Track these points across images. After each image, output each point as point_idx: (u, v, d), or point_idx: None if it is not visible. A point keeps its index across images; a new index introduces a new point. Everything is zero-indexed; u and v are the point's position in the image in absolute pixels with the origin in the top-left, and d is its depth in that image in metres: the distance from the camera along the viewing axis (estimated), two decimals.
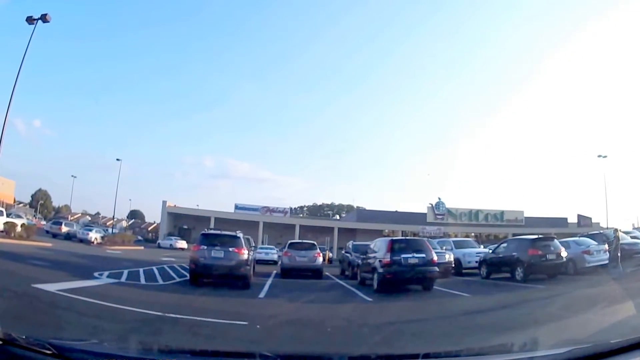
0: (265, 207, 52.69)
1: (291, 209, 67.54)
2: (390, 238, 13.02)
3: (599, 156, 44.39)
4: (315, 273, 17.01)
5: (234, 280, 12.17)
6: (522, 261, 14.46)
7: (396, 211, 51.82)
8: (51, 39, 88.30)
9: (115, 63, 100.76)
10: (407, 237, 13.68)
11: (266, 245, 33.87)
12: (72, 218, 70.56)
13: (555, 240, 15.81)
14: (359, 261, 15.23)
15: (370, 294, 11.81)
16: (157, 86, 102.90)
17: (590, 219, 52.18)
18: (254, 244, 20.51)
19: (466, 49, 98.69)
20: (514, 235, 46.13)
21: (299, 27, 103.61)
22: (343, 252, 20.34)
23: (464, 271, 18.30)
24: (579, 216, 52.28)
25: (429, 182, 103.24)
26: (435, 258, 12.68)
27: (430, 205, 49.02)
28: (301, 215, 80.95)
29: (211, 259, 12.00)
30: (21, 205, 75.47)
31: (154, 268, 16.43)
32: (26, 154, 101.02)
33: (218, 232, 13.16)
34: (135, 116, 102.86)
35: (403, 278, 12.15)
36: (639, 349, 2.11)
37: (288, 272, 17.11)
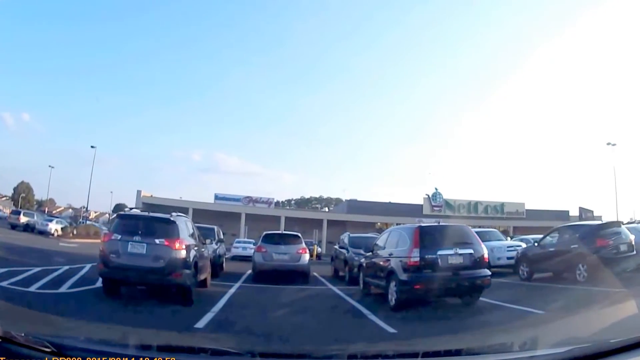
0: (247, 197, 47.87)
1: (278, 202, 63.27)
2: (418, 225, 8.58)
3: (608, 144, 41.61)
4: (299, 275, 12.50)
5: (168, 290, 8.03)
6: (586, 255, 10.72)
7: (390, 202, 48.30)
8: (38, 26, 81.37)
9: (106, 55, 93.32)
10: (442, 224, 9.15)
11: (244, 239, 28.86)
12: (55, 211, 69.08)
13: (623, 227, 12.00)
14: (363, 261, 10.76)
15: (386, 314, 7.52)
16: (151, 80, 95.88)
17: (592, 212, 50.30)
18: (221, 237, 15.76)
19: (463, 31, 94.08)
20: (514, 228, 44.19)
21: (288, 15, 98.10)
22: (337, 247, 15.83)
23: (491, 270, 14.34)
24: (581, 209, 50.08)
25: (425, 173, 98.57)
26: (486, 254, 8.41)
27: (426, 196, 45.53)
28: (288, 207, 76.43)
29: (127, 257, 7.61)
30: (3, 198, 70.95)
31: (87, 266, 12.36)
32: (14, 147, 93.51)
33: (144, 214, 8.54)
34: (125, 110, 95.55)
35: (441, 289, 7.89)
36: (638, 348, 2.02)
37: (263, 275, 12.58)
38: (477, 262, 8.09)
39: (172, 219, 8.19)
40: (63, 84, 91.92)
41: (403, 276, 7.87)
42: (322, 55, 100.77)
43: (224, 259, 16.16)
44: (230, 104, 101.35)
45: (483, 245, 8.64)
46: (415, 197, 74.02)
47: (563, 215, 47.17)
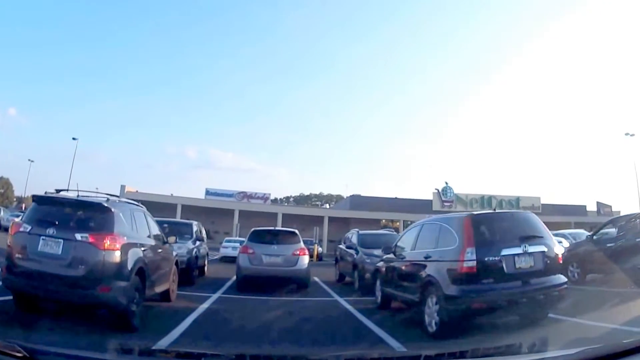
0: (241, 192, 44.57)
1: (276, 199, 60.70)
2: (469, 214, 5.90)
3: (627, 134, 38.95)
4: (296, 283, 9.78)
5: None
6: None
7: (396, 198, 45.21)
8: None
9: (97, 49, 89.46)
10: (501, 211, 6.53)
11: (235, 238, 25.94)
12: None
13: None
14: (380, 265, 8.05)
15: (424, 346, 4.96)
16: (142, 74, 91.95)
17: (611, 207, 48.16)
18: (201, 235, 12.98)
19: (471, 11, 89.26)
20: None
21: (282, 5, 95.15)
22: (342, 246, 13.09)
23: None
24: (599, 204, 47.97)
25: (434, 166, 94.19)
26: (560, 252, 6.02)
27: (436, 191, 42.32)
28: (286, 204, 73.68)
29: (36, 259, 5.17)
30: None
31: None
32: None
33: (68, 196, 5.86)
34: (116, 106, 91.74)
35: (507, 306, 5.40)
36: None
37: (249, 282, 9.89)
38: (551, 265, 5.60)
39: (105, 204, 5.53)
40: (53, 79, 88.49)
41: (450, 289, 5.26)
42: (323, 43, 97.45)
43: (207, 261, 13.50)
44: (227, 99, 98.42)
45: (555, 240, 6.10)
46: (423, 193, 71.04)
47: (580, 210, 44.77)
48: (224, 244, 22.59)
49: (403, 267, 6.77)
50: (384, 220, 42.30)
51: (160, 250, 6.97)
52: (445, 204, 40.92)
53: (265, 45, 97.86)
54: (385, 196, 46.24)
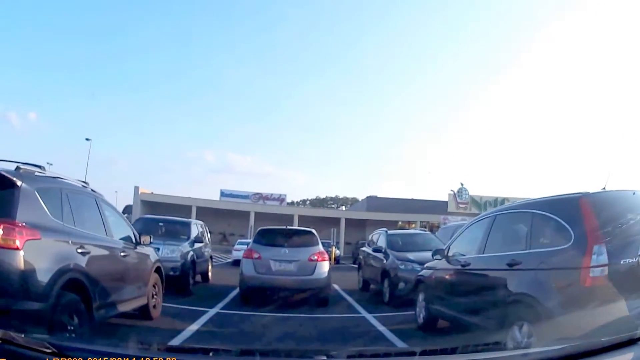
0: (257, 193, 43.30)
1: (292, 202, 59.42)
2: (584, 193, 3.81)
3: None
4: (313, 295, 7.82)
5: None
6: None
7: (412, 199, 43.87)
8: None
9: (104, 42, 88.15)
10: (618, 190, 4.35)
11: (247, 240, 23.95)
12: None
13: None
14: (424, 274, 6.14)
15: None
16: (158, 78, 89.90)
17: None
18: (202, 236, 10.96)
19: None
20: None
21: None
22: (366, 249, 11.10)
23: None
24: None
25: (449, 167, 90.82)
26: None
27: (452, 193, 40.90)
28: (302, 207, 72.42)
29: None
30: None
31: None
32: (19, 148, 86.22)
33: None
34: (134, 110, 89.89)
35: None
36: (628, 346, 2.07)
37: (255, 294, 8.03)
38: None
39: (6, 174, 3.49)
40: (75, 84, 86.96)
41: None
42: (328, 39, 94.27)
43: (210, 266, 11.74)
44: (243, 101, 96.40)
45: None
46: (436, 194, 68.64)
47: None
48: (236, 246, 21.08)
49: (466, 279, 4.85)
50: (400, 222, 40.57)
51: (124, 254, 5.08)
52: (461, 205, 39.75)
53: (274, 39, 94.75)
54: (401, 197, 45.17)
